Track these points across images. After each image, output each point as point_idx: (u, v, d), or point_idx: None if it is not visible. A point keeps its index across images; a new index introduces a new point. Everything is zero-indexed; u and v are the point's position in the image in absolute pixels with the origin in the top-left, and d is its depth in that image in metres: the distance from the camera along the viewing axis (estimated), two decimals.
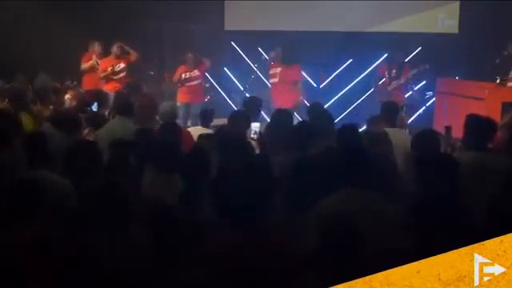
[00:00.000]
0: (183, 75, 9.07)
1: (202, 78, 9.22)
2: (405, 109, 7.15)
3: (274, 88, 8.70)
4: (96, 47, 9.25)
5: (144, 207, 3.22)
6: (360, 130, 5.39)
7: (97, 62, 9.11)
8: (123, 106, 5.89)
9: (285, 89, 8.48)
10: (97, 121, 5.83)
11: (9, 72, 8.13)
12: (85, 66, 9.21)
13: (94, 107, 6.39)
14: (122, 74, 8.99)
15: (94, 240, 2.74)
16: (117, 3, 9.70)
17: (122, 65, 9.04)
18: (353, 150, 3.83)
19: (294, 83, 8.59)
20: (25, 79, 7.93)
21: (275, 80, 8.70)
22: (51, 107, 6.46)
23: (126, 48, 9.07)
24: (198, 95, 9.17)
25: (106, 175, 3.75)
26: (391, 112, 5.70)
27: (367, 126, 5.81)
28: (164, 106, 6.25)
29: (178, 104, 8.43)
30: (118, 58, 9.04)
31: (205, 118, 6.18)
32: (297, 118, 8.14)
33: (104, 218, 2.85)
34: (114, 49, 9.01)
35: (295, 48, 9.14)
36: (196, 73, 9.09)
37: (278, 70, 8.67)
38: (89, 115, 6.03)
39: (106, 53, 9.15)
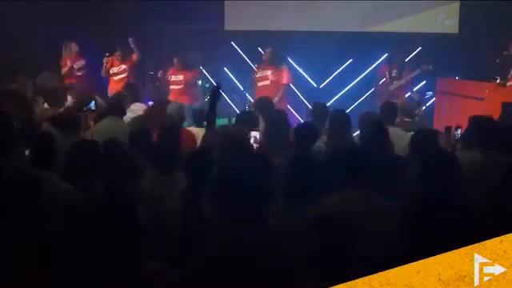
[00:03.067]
0: (170, 77, 9.09)
1: (187, 82, 9.08)
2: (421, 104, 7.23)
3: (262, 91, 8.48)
4: (73, 48, 9.23)
5: (144, 208, 3.23)
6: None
7: (72, 66, 9.11)
8: (115, 106, 5.92)
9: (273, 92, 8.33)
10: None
11: (9, 72, 8.13)
12: (64, 70, 9.15)
13: (93, 106, 6.40)
14: (123, 75, 9.01)
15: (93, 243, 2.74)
16: (117, 3, 9.71)
17: (124, 66, 9.06)
18: (354, 150, 3.84)
19: (281, 86, 8.59)
20: (26, 79, 7.94)
21: (265, 83, 8.64)
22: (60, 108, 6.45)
23: (133, 46, 9.07)
24: (185, 97, 9.01)
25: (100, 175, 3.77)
26: (390, 112, 5.77)
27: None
28: (170, 107, 6.29)
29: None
30: (121, 58, 9.07)
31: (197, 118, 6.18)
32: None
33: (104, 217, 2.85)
34: (130, 42, 9.04)
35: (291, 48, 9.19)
36: (180, 77, 9.04)
37: (269, 72, 8.65)
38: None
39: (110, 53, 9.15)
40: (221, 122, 7.18)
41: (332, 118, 5.44)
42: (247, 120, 5.55)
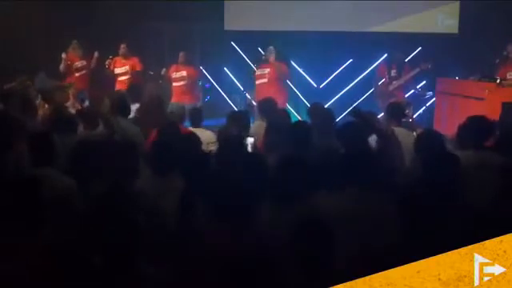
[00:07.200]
0: (173, 74, 9.08)
1: (190, 78, 9.06)
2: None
3: (262, 89, 8.54)
4: (76, 47, 9.21)
5: (142, 208, 3.23)
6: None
7: (64, 61, 9.07)
8: (120, 107, 5.91)
9: (272, 89, 8.34)
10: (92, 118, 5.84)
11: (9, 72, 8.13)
12: (61, 67, 9.13)
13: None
14: (126, 76, 8.99)
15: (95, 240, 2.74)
16: (117, 3, 9.71)
17: (128, 67, 9.04)
18: (354, 150, 3.83)
19: (281, 81, 8.62)
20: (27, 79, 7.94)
21: (263, 81, 8.67)
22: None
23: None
24: (187, 95, 9.04)
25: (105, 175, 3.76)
26: (396, 112, 5.78)
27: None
28: (170, 106, 6.28)
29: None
30: (125, 58, 9.07)
31: (194, 119, 6.18)
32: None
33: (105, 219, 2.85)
34: (121, 49, 9.03)
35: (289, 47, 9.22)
36: (183, 73, 9.03)
37: (267, 70, 8.65)
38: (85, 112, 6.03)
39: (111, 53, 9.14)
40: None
41: (314, 114, 5.47)
42: (238, 119, 5.55)
